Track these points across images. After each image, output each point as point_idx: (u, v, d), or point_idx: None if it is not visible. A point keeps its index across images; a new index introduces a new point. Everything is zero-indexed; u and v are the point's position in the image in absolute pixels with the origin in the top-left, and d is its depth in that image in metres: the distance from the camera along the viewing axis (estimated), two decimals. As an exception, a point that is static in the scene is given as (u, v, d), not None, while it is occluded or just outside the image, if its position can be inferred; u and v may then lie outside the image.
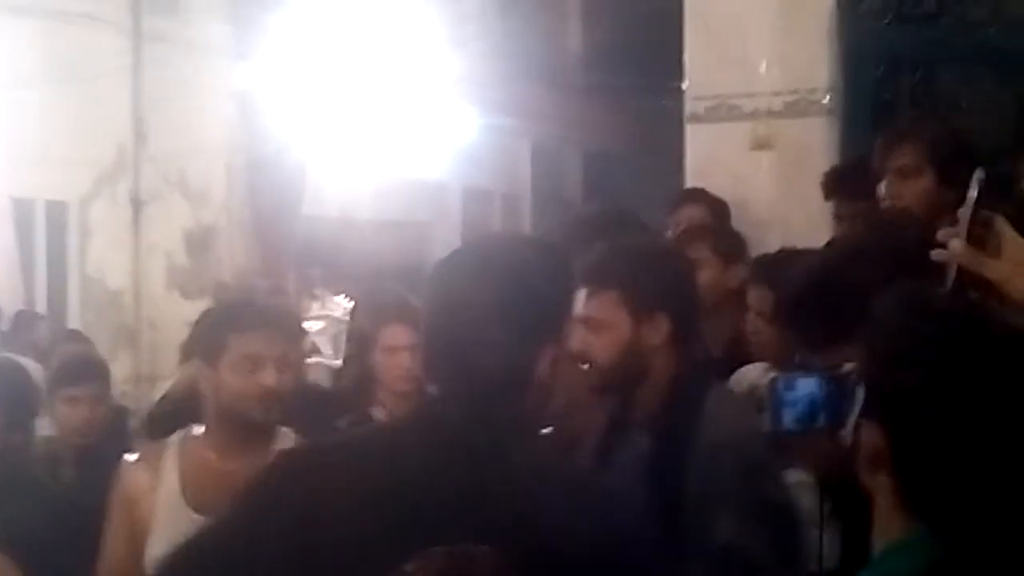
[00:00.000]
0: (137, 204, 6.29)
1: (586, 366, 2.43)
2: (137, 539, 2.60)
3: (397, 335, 3.40)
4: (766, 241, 3.98)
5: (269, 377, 2.60)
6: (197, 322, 4.73)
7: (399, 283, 5.92)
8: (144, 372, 5.96)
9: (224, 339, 2.65)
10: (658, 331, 2.39)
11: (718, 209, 4.40)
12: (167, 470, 2.68)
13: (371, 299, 3.79)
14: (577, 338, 2.42)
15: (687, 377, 2.43)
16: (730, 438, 2.34)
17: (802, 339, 2.22)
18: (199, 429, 2.73)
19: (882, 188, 3.19)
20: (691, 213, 4.26)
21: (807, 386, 1.91)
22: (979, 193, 1.69)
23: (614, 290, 2.41)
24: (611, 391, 2.49)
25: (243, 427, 2.61)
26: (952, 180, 3.11)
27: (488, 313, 1.78)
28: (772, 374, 2.75)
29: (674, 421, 2.38)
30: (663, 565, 1.94)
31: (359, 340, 3.52)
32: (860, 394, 1.57)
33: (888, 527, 1.51)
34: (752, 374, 3.10)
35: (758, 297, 3.20)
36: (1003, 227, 1.69)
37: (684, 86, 4.74)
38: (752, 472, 2.33)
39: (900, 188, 3.13)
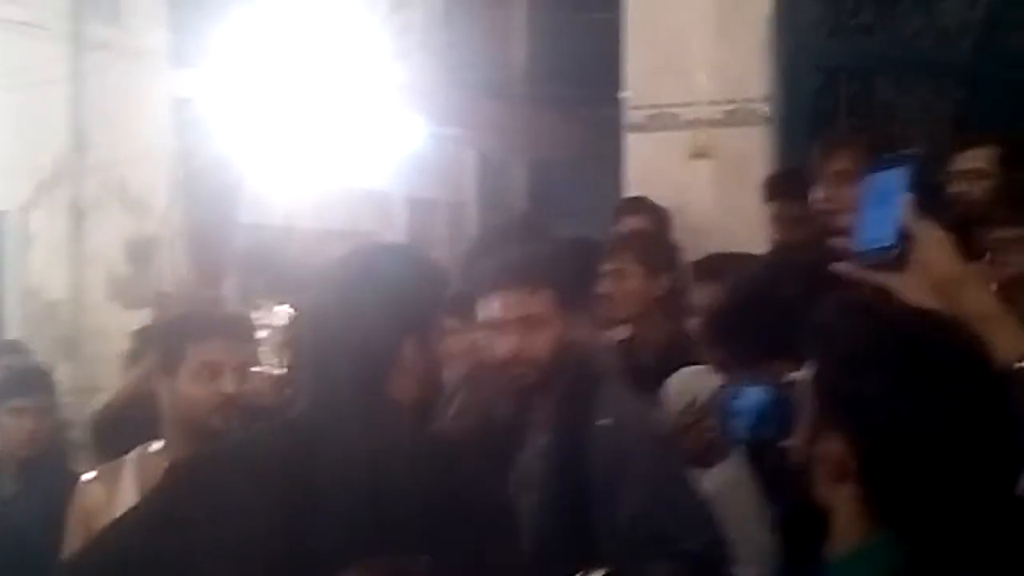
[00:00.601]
0: (77, 213, 6.21)
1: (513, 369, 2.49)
2: None
3: None
4: (705, 248, 4.02)
5: (229, 385, 2.58)
6: (139, 332, 4.70)
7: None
8: (84, 383, 5.88)
9: (182, 348, 2.63)
10: (584, 325, 2.50)
11: (659, 218, 4.44)
12: (126, 487, 2.66)
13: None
14: (510, 340, 2.49)
15: (588, 368, 2.54)
16: (628, 418, 2.46)
17: (733, 357, 2.24)
18: (157, 444, 2.71)
19: (817, 193, 3.24)
20: (633, 222, 4.30)
21: (754, 396, 1.92)
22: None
23: (549, 288, 2.50)
24: (545, 387, 2.54)
25: (203, 437, 2.58)
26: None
27: (351, 311, 1.99)
28: (715, 379, 2.79)
29: (576, 410, 2.48)
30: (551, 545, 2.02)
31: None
32: (808, 405, 1.58)
33: (847, 535, 1.52)
34: (694, 381, 3.14)
35: (700, 293, 3.26)
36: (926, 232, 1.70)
37: (624, 96, 4.79)
38: (652, 446, 2.45)
39: (836, 192, 3.18)
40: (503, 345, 2.52)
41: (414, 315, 2.03)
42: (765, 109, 4.60)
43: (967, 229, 3.73)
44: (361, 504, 1.83)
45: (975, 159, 3.67)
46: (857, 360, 1.51)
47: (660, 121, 4.72)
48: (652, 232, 4.13)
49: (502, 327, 2.52)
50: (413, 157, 8.37)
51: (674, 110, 4.69)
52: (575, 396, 2.52)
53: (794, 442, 1.60)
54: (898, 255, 1.65)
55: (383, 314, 1.99)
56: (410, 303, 2.03)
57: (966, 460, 1.49)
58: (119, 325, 5.86)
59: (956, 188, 3.62)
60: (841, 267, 1.71)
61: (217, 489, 1.94)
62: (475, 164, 9.83)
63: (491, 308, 2.52)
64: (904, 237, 1.65)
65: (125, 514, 2.15)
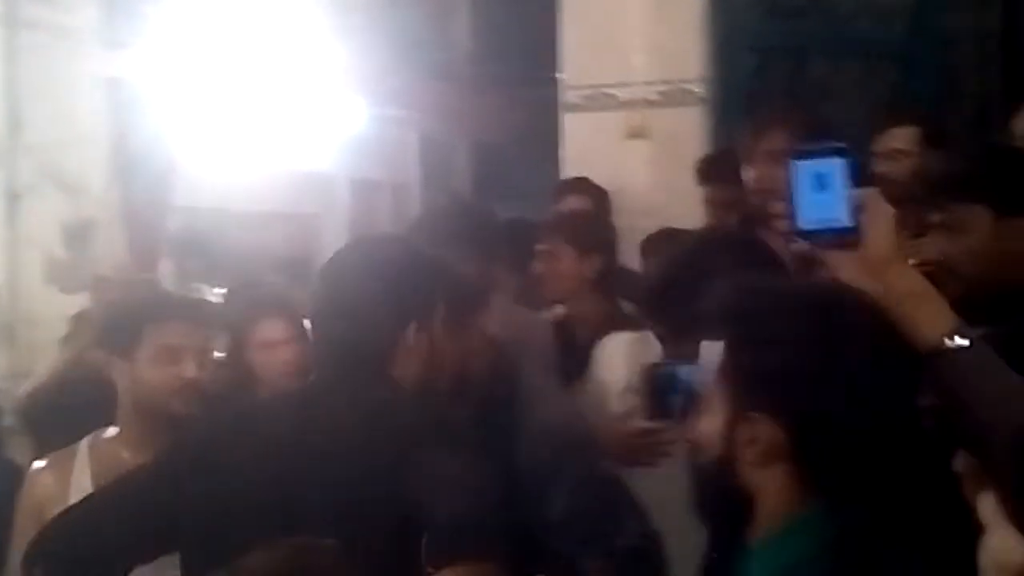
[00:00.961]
0: (12, 197, 6.11)
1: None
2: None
3: (273, 329, 3.36)
4: (641, 228, 4.05)
5: (189, 369, 2.55)
6: (77, 316, 4.64)
7: (287, 276, 5.84)
8: (21, 369, 5.80)
9: (140, 331, 2.58)
10: (497, 320, 2.53)
11: (599, 198, 4.46)
12: (79, 473, 2.61)
13: (243, 293, 3.73)
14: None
15: (501, 374, 2.57)
16: (551, 418, 2.48)
17: (670, 330, 2.24)
18: (112, 430, 2.67)
19: (749, 172, 3.26)
20: (573, 203, 4.31)
21: (686, 374, 1.92)
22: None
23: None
24: (460, 404, 2.55)
25: (161, 422, 2.55)
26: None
27: (356, 299, 2.11)
28: (651, 349, 2.80)
29: (496, 418, 2.51)
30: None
31: (233, 336, 3.45)
32: (722, 392, 1.58)
33: (775, 515, 1.52)
34: (631, 353, 3.16)
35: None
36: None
37: (560, 76, 4.80)
38: (578, 444, 2.47)
39: (769, 171, 3.20)
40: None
41: (416, 303, 2.16)
42: (700, 89, 4.63)
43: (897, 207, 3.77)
44: (355, 473, 1.96)
45: (897, 139, 3.74)
46: (774, 338, 1.51)
47: (596, 101, 4.74)
48: (583, 212, 4.15)
49: None
50: (355, 138, 8.32)
51: (610, 90, 4.71)
52: (492, 406, 2.53)
53: (706, 432, 1.59)
54: (855, 237, 1.68)
55: (386, 302, 2.11)
56: (412, 292, 2.16)
57: (895, 427, 1.51)
58: (57, 310, 5.79)
59: (879, 168, 3.67)
60: (797, 247, 1.73)
61: (219, 455, 2.06)
62: (418, 146, 9.78)
63: None
64: (860, 219, 1.68)
65: (119, 479, 2.26)
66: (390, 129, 8.92)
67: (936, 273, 2.42)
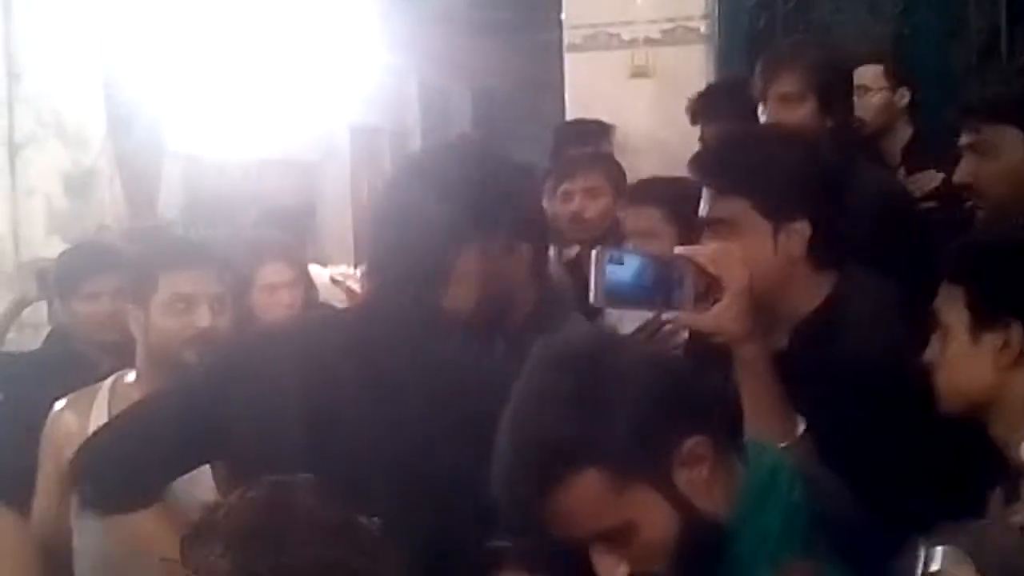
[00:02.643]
0: (12, 147, 6.09)
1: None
2: (66, 483, 2.55)
3: (276, 273, 3.39)
4: (644, 168, 4.04)
5: (203, 318, 2.53)
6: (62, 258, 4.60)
7: (289, 222, 5.84)
8: (25, 319, 5.81)
9: (155, 277, 2.56)
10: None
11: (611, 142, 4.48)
12: (97, 415, 2.61)
13: (246, 238, 3.76)
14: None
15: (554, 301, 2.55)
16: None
17: (713, 186, 2.18)
18: (132, 374, 2.67)
19: (763, 114, 3.24)
20: (604, 146, 4.33)
21: (633, 263, 1.85)
22: None
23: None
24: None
25: (175, 370, 2.54)
26: (831, 107, 3.19)
27: (410, 212, 1.97)
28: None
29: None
30: None
31: (235, 279, 3.46)
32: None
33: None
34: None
35: (636, 216, 3.26)
36: None
37: (563, 16, 4.77)
38: None
39: (783, 114, 3.20)
40: None
41: (478, 222, 1.99)
42: (703, 27, 4.60)
43: (872, 142, 3.77)
44: (389, 407, 1.90)
45: (862, 77, 3.76)
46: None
47: (599, 41, 4.72)
48: (611, 153, 4.18)
49: None
50: (355, 85, 8.28)
51: (612, 29, 4.69)
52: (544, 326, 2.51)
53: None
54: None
55: (443, 219, 1.94)
56: (472, 208, 1.97)
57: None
58: (60, 260, 5.77)
59: None
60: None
61: (259, 372, 2.00)
62: (417, 92, 9.73)
63: None
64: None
65: (162, 390, 2.27)
66: (389, 76, 8.88)
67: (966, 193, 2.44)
